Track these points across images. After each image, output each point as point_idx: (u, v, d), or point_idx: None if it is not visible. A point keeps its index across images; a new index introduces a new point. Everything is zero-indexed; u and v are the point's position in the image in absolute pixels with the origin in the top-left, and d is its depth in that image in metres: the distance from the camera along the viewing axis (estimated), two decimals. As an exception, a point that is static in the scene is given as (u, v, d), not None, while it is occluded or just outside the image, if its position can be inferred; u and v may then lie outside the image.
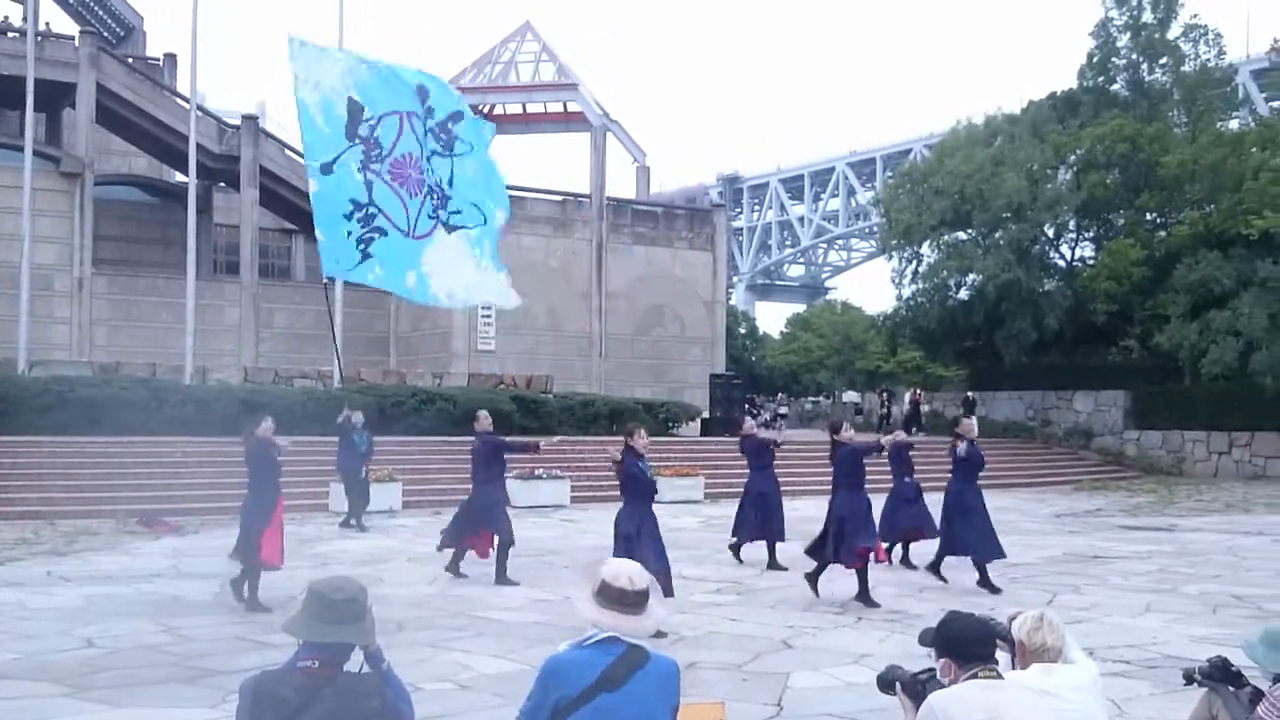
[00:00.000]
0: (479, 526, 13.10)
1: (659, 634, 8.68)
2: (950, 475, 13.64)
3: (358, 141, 12.72)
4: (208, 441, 23.19)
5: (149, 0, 61.66)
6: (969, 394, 38.68)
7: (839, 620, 10.92)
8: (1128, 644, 9.86)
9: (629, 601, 3.63)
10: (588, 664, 3.57)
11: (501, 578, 12.80)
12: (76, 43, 36.48)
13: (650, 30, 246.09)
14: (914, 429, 37.88)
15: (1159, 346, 35.25)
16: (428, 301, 13.98)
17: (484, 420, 13.74)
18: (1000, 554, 13.02)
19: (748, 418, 19.40)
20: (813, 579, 12.21)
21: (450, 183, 12.94)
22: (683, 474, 24.63)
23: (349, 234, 12.85)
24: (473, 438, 13.76)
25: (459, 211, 13.06)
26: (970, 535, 13.01)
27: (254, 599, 11.01)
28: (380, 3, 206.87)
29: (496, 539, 13.03)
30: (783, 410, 49.28)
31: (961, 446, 13.28)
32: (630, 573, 3.70)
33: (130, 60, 40.20)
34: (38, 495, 19.43)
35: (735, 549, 15.04)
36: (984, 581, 12.82)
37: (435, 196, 12.97)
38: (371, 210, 12.82)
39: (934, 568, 13.45)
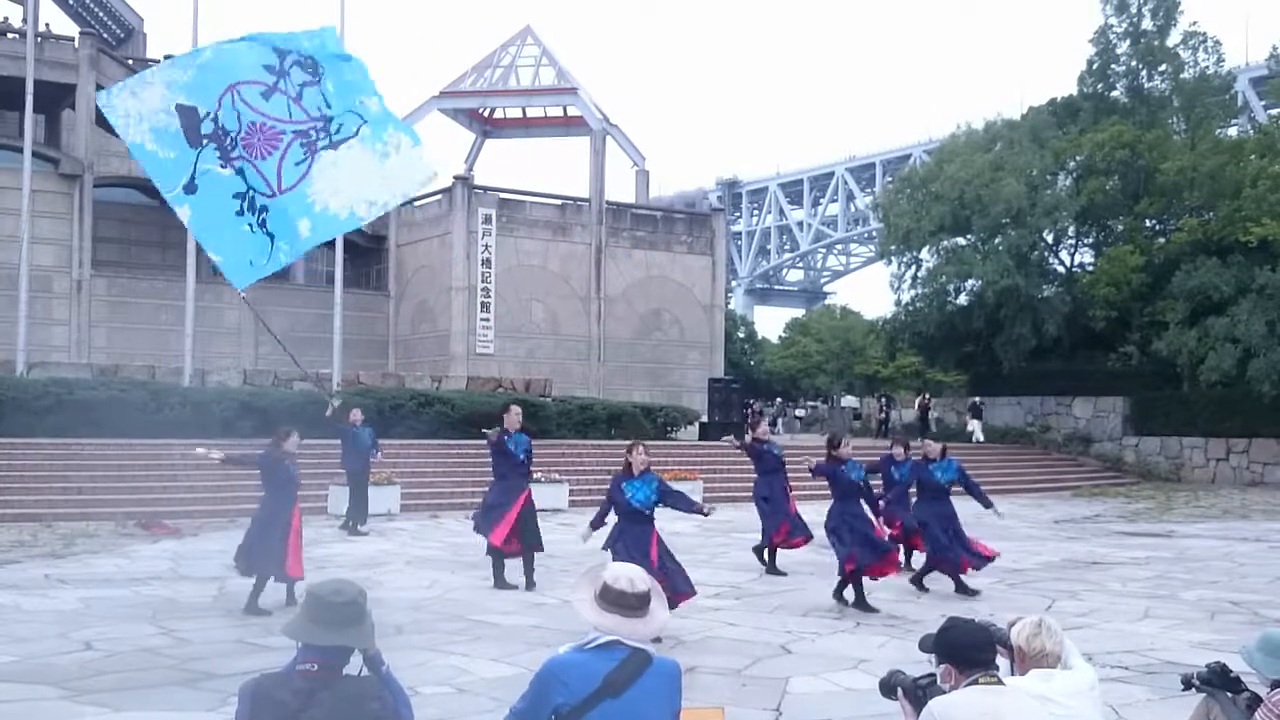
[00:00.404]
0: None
1: (654, 639, 8.66)
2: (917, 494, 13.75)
3: (205, 143, 11.95)
4: (207, 443, 23.19)
5: (150, 2, 61.68)
6: (976, 399, 38.68)
7: (838, 625, 10.92)
8: (1126, 649, 9.87)
9: (630, 604, 3.62)
10: (590, 669, 3.56)
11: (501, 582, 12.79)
12: (76, 44, 36.52)
13: (650, 34, 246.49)
14: (924, 435, 38.09)
15: (1158, 353, 35.29)
16: (342, 226, 12.97)
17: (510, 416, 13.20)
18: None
19: (763, 422, 19.28)
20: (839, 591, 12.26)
21: (328, 103, 12.03)
22: (681, 478, 24.59)
23: (250, 227, 12.05)
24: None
25: (340, 126, 12.00)
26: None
27: (253, 604, 10.98)
28: (381, 7, 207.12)
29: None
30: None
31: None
32: (631, 575, 3.70)
33: (130, 62, 40.17)
34: (35, 497, 19.42)
35: (757, 553, 14.90)
36: (960, 589, 12.91)
37: (315, 130, 11.95)
38: (251, 193, 12.04)
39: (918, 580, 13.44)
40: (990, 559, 13.15)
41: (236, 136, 11.88)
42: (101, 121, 36.65)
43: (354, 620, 3.44)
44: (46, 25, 39.64)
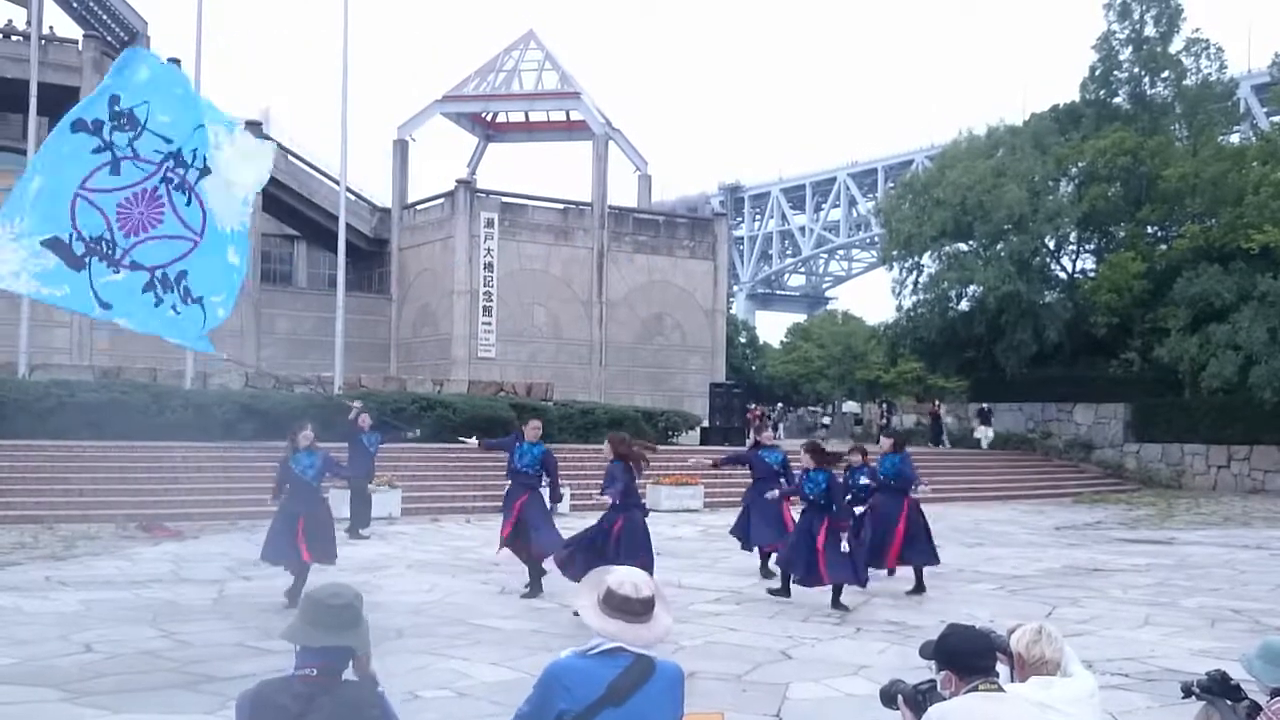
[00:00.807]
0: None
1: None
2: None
3: (86, 260, 11.00)
4: (208, 446, 23.21)
5: (154, 5, 61.77)
6: (984, 406, 38.54)
7: (838, 631, 10.92)
8: (1126, 657, 9.87)
9: (633, 609, 3.60)
10: (593, 675, 3.55)
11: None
12: (80, 47, 36.60)
13: (653, 39, 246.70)
14: (940, 441, 37.79)
15: (1159, 359, 35.28)
16: (245, 233, 12.19)
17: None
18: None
19: (767, 428, 19.24)
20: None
21: (168, 139, 11.32)
22: (682, 483, 24.62)
23: (174, 309, 11.56)
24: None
25: (194, 151, 11.46)
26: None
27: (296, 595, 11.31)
28: (384, 11, 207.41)
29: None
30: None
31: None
32: (635, 580, 3.68)
33: (134, 65, 40.24)
34: (36, 499, 19.43)
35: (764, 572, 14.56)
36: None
37: (172, 169, 11.30)
38: (156, 275, 11.35)
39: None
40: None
41: (112, 232, 11.15)
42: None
43: (351, 623, 3.47)
44: (50, 28, 39.72)
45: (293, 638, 3.46)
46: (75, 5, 46.69)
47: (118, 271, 11.09)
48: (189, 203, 11.47)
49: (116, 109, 11.09)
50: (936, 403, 40.07)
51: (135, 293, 11.19)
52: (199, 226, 11.54)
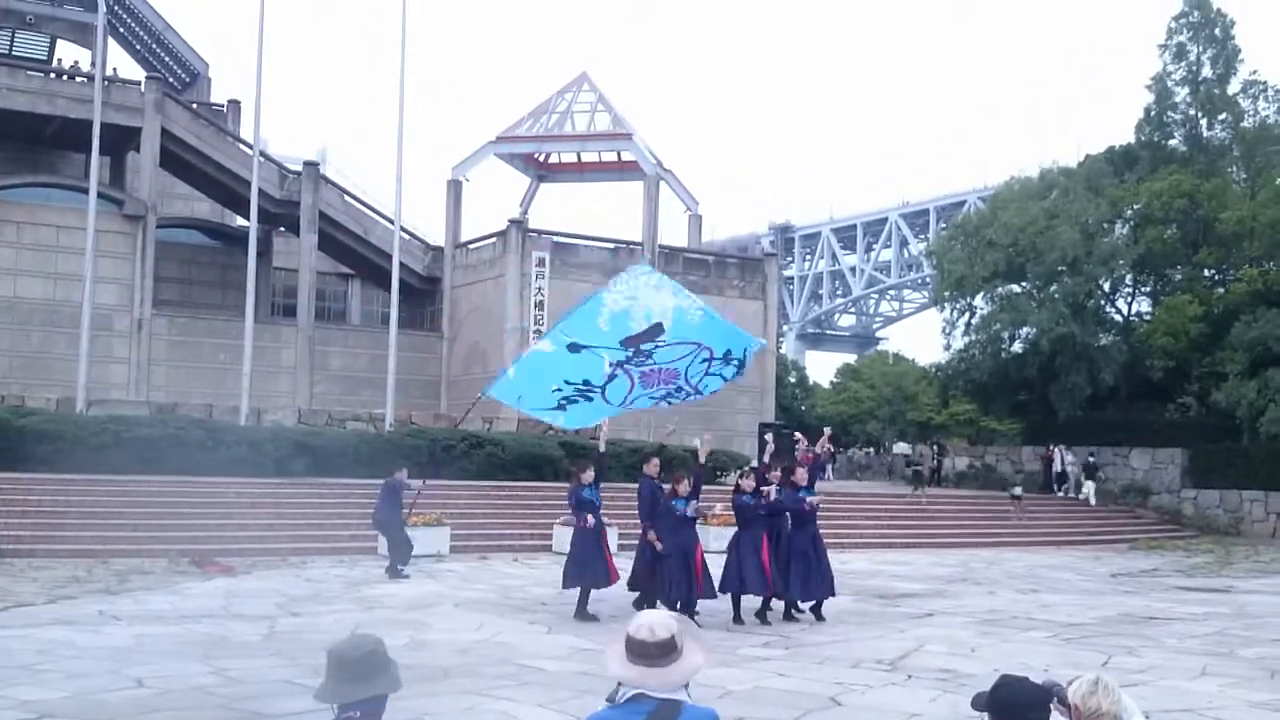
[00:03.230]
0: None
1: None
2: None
3: (630, 350, 14.45)
4: (261, 482, 23.43)
5: (215, 47, 62.97)
6: (1090, 457, 36.41)
7: (889, 678, 10.78)
8: (1184, 708, 9.66)
9: (650, 654, 3.51)
10: None
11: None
12: (142, 88, 37.31)
13: (705, 80, 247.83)
14: (1061, 487, 36.63)
15: (1217, 404, 34.75)
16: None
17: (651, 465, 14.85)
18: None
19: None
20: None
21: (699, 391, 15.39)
22: (728, 523, 24.43)
23: (556, 389, 14.61)
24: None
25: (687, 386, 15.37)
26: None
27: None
28: (439, 54, 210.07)
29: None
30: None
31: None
32: (651, 623, 3.58)
33: (195, 106, 41.04)
34: (91, 534, 19.65)
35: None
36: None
37: (683, 391, 15.30)
38: (594, 390, 14.69)
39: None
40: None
41: (646, 363, 14.60)
42: (166, 163, 37.46)
43: (378, 670, 3.50)
44: (114, 69, 40.60)
45: (325, 698, 3.49)
46: (138, 47, 47.75)
47: (610, 368, 14.55)
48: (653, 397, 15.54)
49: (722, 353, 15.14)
50: (1050, 447, 37.81)
51: (576, 372, 14.51)
52: (630, 400, 15.39)
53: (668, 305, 14.77)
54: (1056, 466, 37.15)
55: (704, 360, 14.89)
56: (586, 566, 14.01)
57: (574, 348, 14.54)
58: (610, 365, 14.49)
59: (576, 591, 14.07)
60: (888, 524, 28.84)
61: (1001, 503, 33.80)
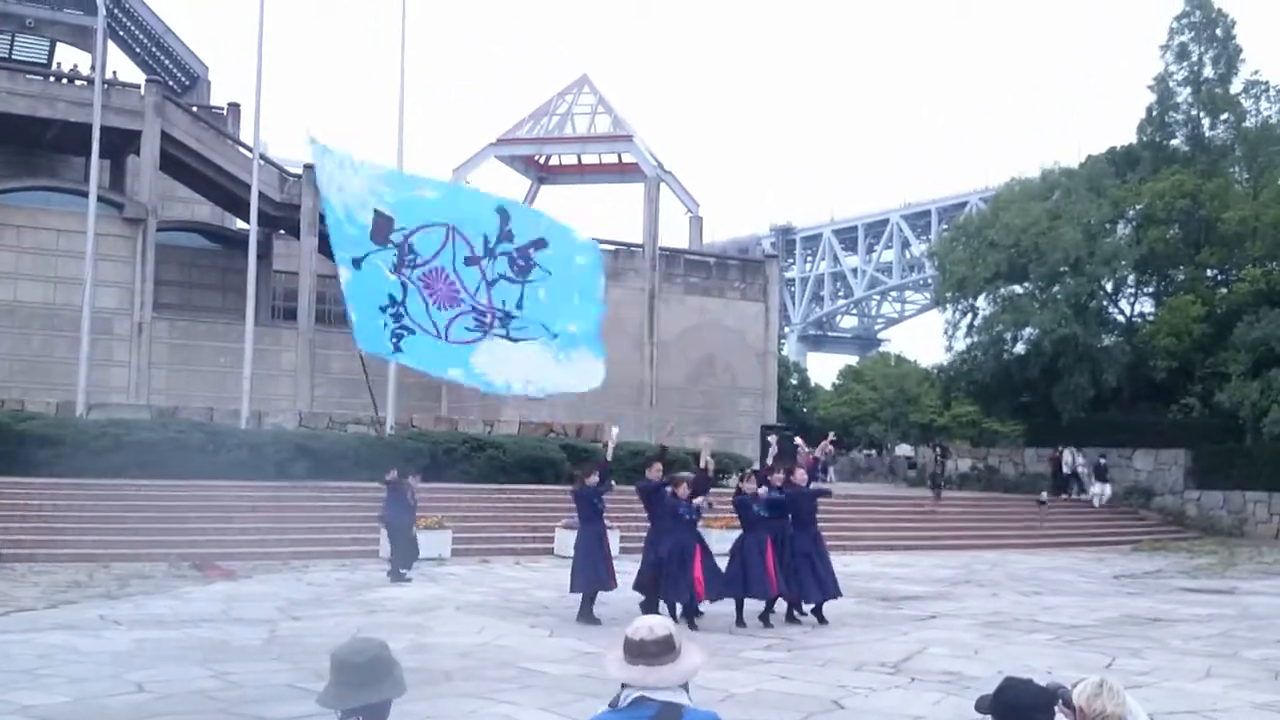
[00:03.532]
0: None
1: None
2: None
3: (389, 245, 13.36)
4: (262, 486, 23.39)
5: (214, 50, 63.01)
6: (1101, 459, 35.83)
7: (892, 681, 10.73)
8: (1188, 710, 9.62)
9: (649, 652, 3.51)
10: None
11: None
12: (142, 91, 37.29)
13: (705, 81, 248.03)
14: (1072, 490, 35.92)
15: (1220, 405, 34.70)
16: (495, 390, 14.90)
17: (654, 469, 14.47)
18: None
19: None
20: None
21: (519, 305, 13.31)
22: (732, 526, 24.40)
23: (384, 325, 13.59)
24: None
25: (524, 328, 13.43)
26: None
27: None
28: (439, 57, 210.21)
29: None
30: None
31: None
32: (650, 623, 3.60)
33: (195, 109, 41.01)
34: (92, 538, 19.62)
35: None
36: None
37: (490, 315, 13.41)
38: (401, 310, 13.47)
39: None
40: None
41: (418, 263, 13.33)
42: (166, 167, 37.45)
43: (381, 675, 3.45)
44: (114, 73, 40.58)
45: (328, 703, 3.46)
46: (138, 51, 47.74)
47: (392, 273, 13.42)
48: (470, 330, 13.58)
49: (533, 245, 13.31)
50: (1058, 449, 37.16)
51: (381, 290, 13.43)
52: (453, 339, 13.63)
53: (362, 188, 13.64)
54: (1067, 468, 36.61)
55: (468, 259, 13.29)
56: (594, 570, 13.97)
57: (355, 262, 13.64)
58: (391, 271, 13.48)
59: (579, 595, 14.03)
60: (890, 526, 28.79)
61: (1005, 505, 33.79)
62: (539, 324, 13.18)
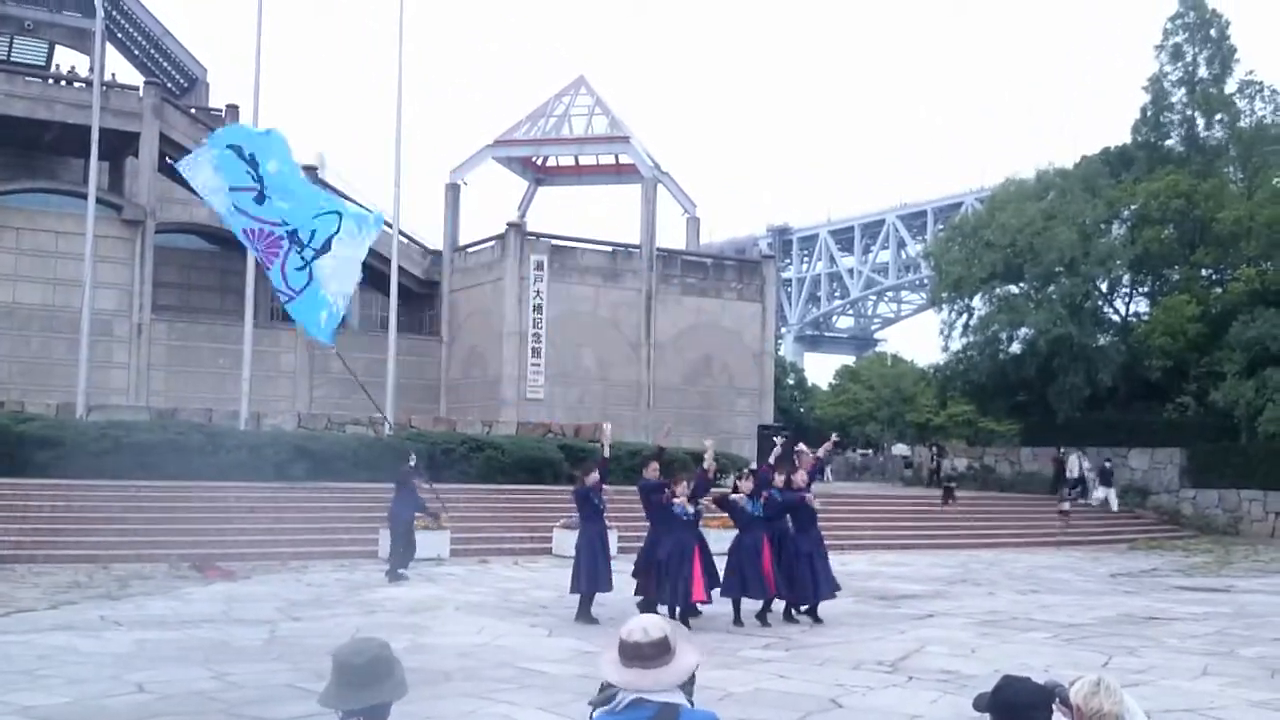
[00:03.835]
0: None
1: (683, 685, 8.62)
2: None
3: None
4: (261, 487, 23.41)
5: (213, 52, 62.94)
6: (1107, 462, 35.35)
7: (890, 679, 10.79)
8: (1185, 708, 9.68)
9: (645, 654, 3.49)
10: None
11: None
12: (141, 93, 37.33)
13: (702, 83, 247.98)
14: (1076, 490, 34.25)
15: (1215, 404, 34.76)
16: (340, 313, 14.97)
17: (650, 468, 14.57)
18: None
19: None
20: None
21: (290, 217, 13.84)
22: (729, 526, 24.43)
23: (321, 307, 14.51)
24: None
25: (313, 233, 13.94)
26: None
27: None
28: (437, 59, 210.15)
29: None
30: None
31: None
32: (644, 625, 3.56)
33: (193, 111, 41.03)
34: (92, 539, 19.65)
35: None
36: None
37: (293, 241, 13.88)
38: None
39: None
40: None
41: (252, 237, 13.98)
42: (164, 168, 37.46)
43: (381, 676, 3.47)
44: (112, 75, 40.59)
45: (329, 703, 3.48)
46: (136, 53, 47.75)
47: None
48: (300, 269, 14.07)
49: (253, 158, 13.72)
50: (1060, 451, 36.34)
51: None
52: (296, 287, 14.15)
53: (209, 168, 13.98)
54: (1072, 472, 35.47)
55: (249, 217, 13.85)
56: (596, 571, 14.01)
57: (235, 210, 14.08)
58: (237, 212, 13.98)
59: (579, 595, 14.07)
60: (887, 525, 28.84)
61: (1001, 504, 33.83)
62: (309, 220, 13.92)
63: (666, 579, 13.43)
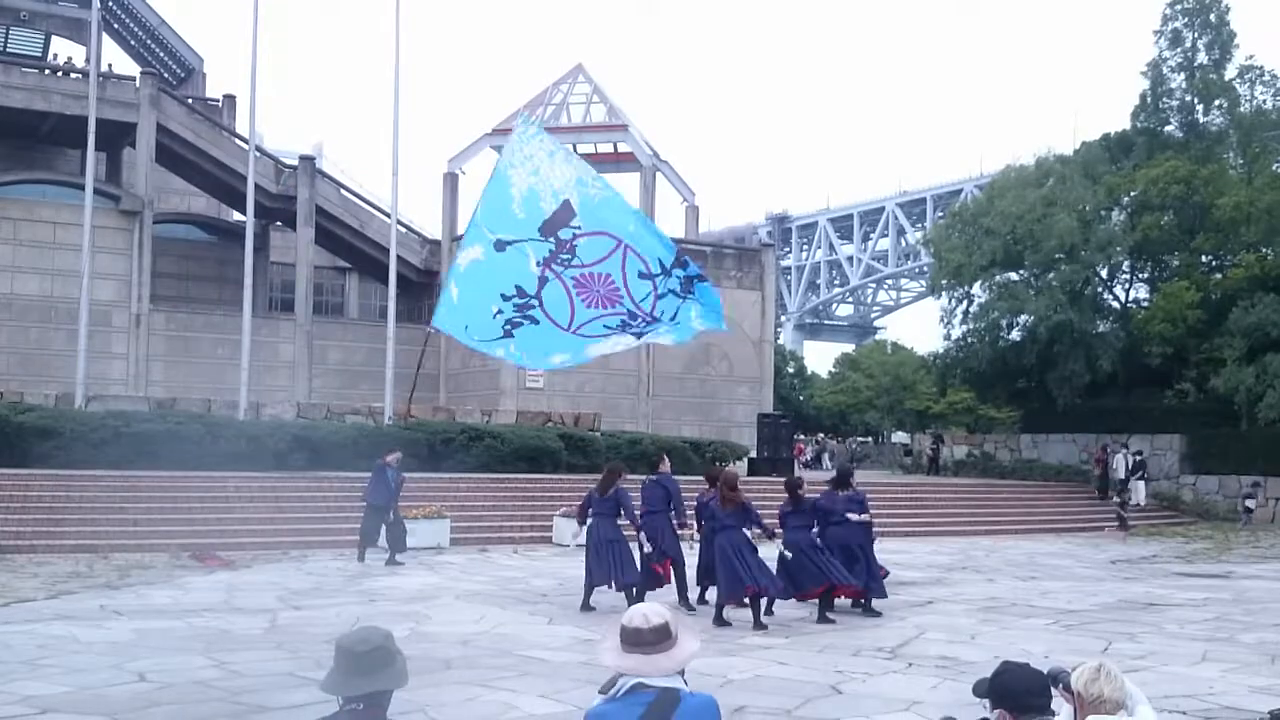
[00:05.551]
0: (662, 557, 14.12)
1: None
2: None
3: (551, 240, 14.13)
4: (261, 476, 23.42)
5: (209, 43, 62.86)
6: (1139, 454, 34.09)
7: (889, 666, 10.80)
8: (1185, 694, 9.69)
9: (645, 640, 3.53)
10: (618, 718, 3.48)
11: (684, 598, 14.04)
12: (138, 84, 37.25)
13: (701, 71, 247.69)
14: (1127, 491, 31.76)
15: (1215, 390, 34.76)
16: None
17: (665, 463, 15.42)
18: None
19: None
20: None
21: (674, 317, 14.85)
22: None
23: (497, 311, 14.34)
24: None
25: (653, 330, 15.12)
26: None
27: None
28: (435, 47, 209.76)
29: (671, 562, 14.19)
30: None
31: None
32: (645, 611, 3.62)
33: (190, 101, 40.97)
34: (92, 529, 19.63)
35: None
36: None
37: (642, 319, 14.75)
38: (533, 302, 14.36)
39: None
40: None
41: (574, 264, 14.17)
42: (162, 159, 37.42)
43: (383, 664, 3.51)
44: (109, 65, 40.54)
45: (331, 689, 3.51)
46: (133, 43, 47.67)
47: (536, 266, 14.30)
48: (607, 326, 15.02)
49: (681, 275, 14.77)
50: (1105, 447, 34.70)
51: (508, 279, 14.28)
52: (578, 328, 14.83)
53: (569, 177, 14.42)
54: (1118, 471, 33.41)
55: (642, 274, 14.48)
56: (624, 564, 13.97)
57: (500, 245, 14.26)
58: (537, 265, 14.20)
59: (588, 588, 13.98)
60: (887, 512, 28.80)
61: (1001, 490, 33.79)
62: (680, 327, 15.04)
63: (721, 572, 13.15)
